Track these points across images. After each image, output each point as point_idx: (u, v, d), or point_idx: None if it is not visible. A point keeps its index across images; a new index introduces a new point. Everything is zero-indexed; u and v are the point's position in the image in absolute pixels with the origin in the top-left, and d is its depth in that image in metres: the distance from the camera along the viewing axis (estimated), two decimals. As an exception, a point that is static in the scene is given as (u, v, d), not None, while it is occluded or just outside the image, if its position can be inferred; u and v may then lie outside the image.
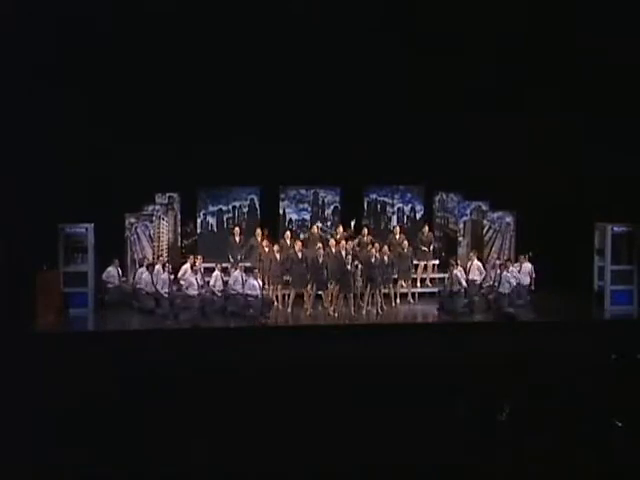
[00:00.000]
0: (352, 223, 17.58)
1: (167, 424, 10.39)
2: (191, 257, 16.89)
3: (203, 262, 16.92)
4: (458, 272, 16.72)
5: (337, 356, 13.73)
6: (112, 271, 17.02)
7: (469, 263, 17.21)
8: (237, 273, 16.48)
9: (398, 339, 14.90)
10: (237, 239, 17.54)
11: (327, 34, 18.06)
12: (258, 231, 17.42)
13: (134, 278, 17.14)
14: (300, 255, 16.54)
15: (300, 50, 18.11)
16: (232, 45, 18.23)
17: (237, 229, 17.74)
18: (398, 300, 17.19)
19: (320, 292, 16.63)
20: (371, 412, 10.66)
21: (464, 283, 16.67)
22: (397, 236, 17.61)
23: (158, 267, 16.91)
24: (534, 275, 17.17)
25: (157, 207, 18.49)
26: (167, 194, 18.81)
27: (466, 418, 10.26)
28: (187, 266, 16.77)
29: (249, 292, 16.16)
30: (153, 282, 16.65)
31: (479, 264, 17.27)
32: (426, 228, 18.29)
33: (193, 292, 16.16)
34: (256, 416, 10.60)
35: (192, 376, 12.31)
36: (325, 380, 12.03)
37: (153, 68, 17.87)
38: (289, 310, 16.64)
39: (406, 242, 17.33)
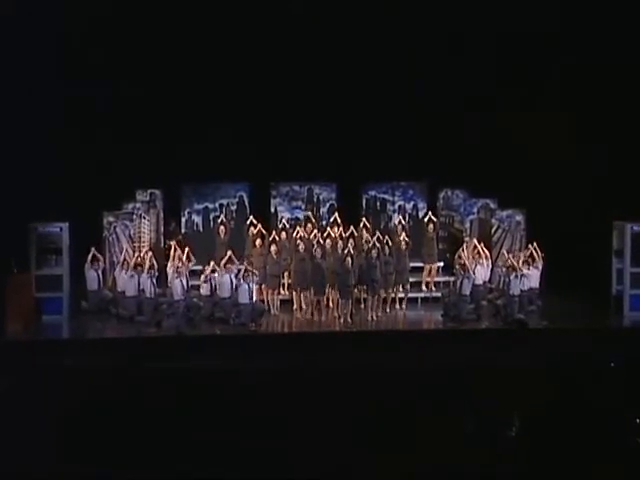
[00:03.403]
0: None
1: (148, 437, 10.40)
2: (172, 244, 16.75)
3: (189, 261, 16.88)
4: (466, 279, 16.68)
5: (334, 366, 13.73)
6: (92, 275, 16.98)
7: (473, 265, 17.17)
8: (226, 276, 16.45)
9: (399, 347, 14.89)
10: (222, 237, 17.51)
11: (323, 27, 18.23)
12: (252, 229, 17.39)
13: (113, 281, 17.10)
14: (300, 256, 16.58)
15: (293, 43, 18.24)
16: (221, 38, 18.30)
17: (222, 227, 17.70)
18: (398, 305, 17.18)
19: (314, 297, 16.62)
20: (372, 423, 10.68)
21: (467, 291, 16.61)
22: (399, 235, 17.59)
23: (140, 269, 16.84)
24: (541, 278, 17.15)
25: (138, 205, 18.39)
26: (149, 191, 18.75)
27: (472, 432, 10.27)
28: (172, 267, 16.69)
29: (239, 297, 16.13)
30: (139, 285, 16.57)
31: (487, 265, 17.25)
32: (430, 226, 18.26)
33: (177, 296, 16.09)
34: (245, 429, 10.61)
35: (176, 387, 12.31)
36: (321, 392, 12.03)
37: (138, 62, 18.00)
38: (280, 316, 16.63)
39: (404, 243, 17.30)
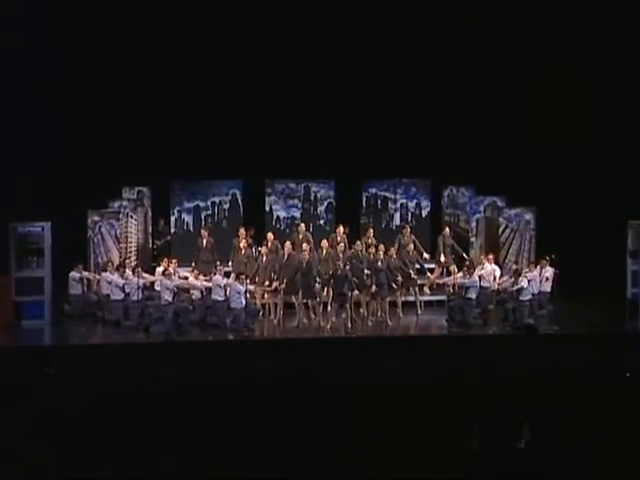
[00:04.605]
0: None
1: (136, 447, 10.27)
2: (165, 260, 16.69)
3: (178, 266, 16.69)
4: (477, 276, 16.51)
5: (331, 374, 13.62)
6: (75, 277, 16.79)
7: (480, 267, 17.00)
8: (218, 278, 16.28)
9: (401, 355, 14.78)
10: (204, 242, 17.34)
11: (320, 23, 18.40)
12: (242, 231, 17.24)
13: (98, 284, 16.94)
14: (287, 258, 16.40)
15: (287, 38, 18.36)
16: (213, 34, 18.38)
17: (204, 231, 17.55)
18: (400, 311, 17.02)
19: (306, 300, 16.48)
20: (371, 436, 10.59)
21: (473, 295, 16.42)
22: (406, 237, 17.45)
23: (127, 271, 16.69)
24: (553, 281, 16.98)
25: (124, 203, 18.29)
26: (136, 188, 18.67)
27: (480, 445, 10.14)
28: (160, 270, 16.57)
29: (232, 300, 15.94)
30: (123, 288, 16.39)
31: (495, 268, 17.10)
32: (447, 230, 18.11)
33: (167, 299, 15.91)
34: (237, 438, 10.50)
35: (163, 397, 12.19)
36: (316, 399, 11.95)
37: (125, 57, 18.12)
38: (275, 321, 16.50)
39: (412, 245, 17.21)
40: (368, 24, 18.39)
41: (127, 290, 16.32)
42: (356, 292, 16.38)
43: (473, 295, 16.37)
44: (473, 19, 18.35)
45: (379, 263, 16.36)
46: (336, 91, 18.64)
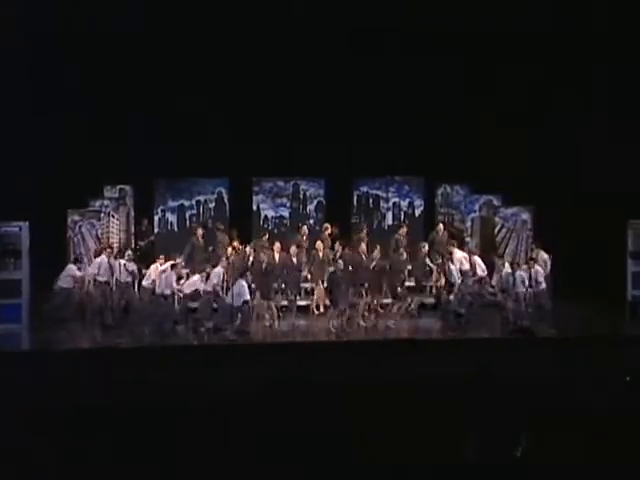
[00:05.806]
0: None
1: (116, 464, 10.22)
2: (162, 257, 16.67)
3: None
4: (452, 265, 16.62)
5: (324, 379, 13.63)
6: (73, 272, 16.63)
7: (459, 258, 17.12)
8: (220, 270, 16.37)
9: (395, 359, 14.80)
10: (200, 241, 17.29)
11: (313, 20, 18.56)
12: (221, 235, 17.23)
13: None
14: (266, 260, 16.50)
15: (282, 37, 18.47)
16: (199, 30, 18.53)
17: (200, 230, 17.53)
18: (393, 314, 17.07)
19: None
20: (366, 442, 10.60)
21: (457, 279, 16.50)
22: (402, 237, 17.47)
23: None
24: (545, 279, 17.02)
25: (106, 202, 18.29)
26: (118, 187, 18.60)
27: (475, 453, 10.16)
28: (156, 266, 16.56)
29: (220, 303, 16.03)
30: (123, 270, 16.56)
31: (479, 262, 17.29)
32: (441, 226, 18.16)
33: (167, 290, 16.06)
34: (224, 454, 10.48)
35: (147, 406, 12.17)
36: (310, 407, 11.94)
37: (108, 52, 18.23)
38: (267, 324, 16.57)
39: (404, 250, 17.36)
40: (366, 24, 18.50)
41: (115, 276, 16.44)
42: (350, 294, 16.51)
43: (452, 280, 16.51)
44: (473, 18, 18.40)
45: (387, 265, 16.49)
46: (327, 87, 18.68)
